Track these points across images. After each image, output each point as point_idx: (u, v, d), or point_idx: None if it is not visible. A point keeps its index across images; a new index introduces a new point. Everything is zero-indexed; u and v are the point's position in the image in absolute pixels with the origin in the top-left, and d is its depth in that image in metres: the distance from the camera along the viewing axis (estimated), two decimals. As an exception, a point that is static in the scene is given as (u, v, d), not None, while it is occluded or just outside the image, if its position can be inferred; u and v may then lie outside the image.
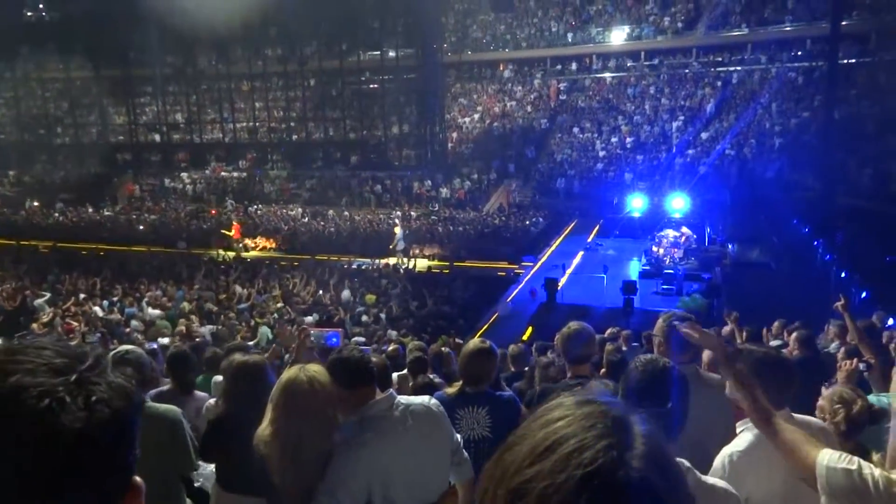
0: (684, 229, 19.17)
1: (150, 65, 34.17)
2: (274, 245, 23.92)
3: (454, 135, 34.72)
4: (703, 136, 29.73)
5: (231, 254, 22.48)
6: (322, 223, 26.09)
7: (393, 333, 12.16)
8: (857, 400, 2.88)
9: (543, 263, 20.55)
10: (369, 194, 30.96)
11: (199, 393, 4.61)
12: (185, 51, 33.04)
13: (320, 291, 16.27)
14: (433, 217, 26.40)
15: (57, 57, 34.92)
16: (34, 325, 13.09)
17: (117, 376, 0.87)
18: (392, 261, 20.61)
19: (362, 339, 11.12)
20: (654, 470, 0.72)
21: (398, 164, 31.60)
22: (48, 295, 15.50)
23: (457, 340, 9.29)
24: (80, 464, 0.78)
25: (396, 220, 24.90)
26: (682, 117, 31.23)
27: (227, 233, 24.08)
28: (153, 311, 14.18)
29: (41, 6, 34.57)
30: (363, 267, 19.95)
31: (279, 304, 14.99)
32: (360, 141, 32.19)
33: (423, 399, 2.59)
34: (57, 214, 30.03)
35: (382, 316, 14.38)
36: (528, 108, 35.45)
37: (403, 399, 2.54)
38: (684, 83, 33.04)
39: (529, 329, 14.24)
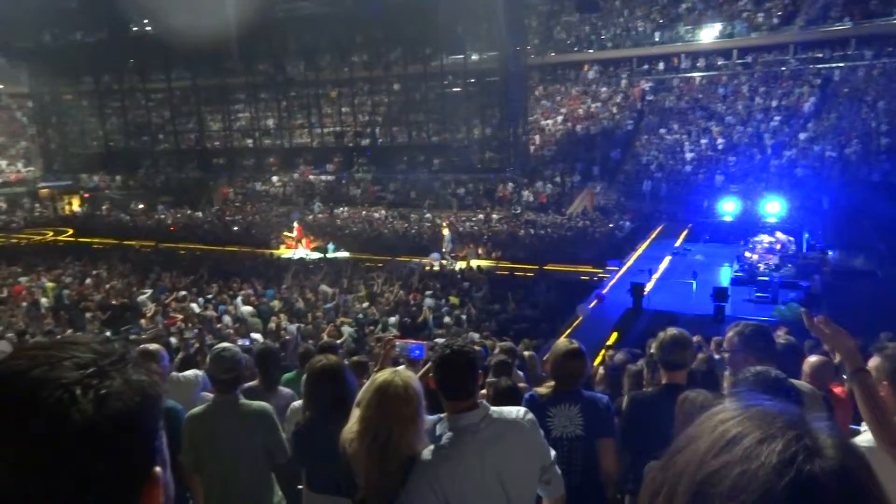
0: (780, 234, 18.31)
1: (243, 74, 35.72)
2: (319, 244, 24.53)
3: (537, 137, 34.43)
4: (801, 136, 28.20)
5: (317, 254, 23.15)
6: (405, 224, 26.56)
7: (475, 336, 12.12)
8: None
9: (629, 268, 20.08)
10: (452, 197, 31.19)
11: (283, 389, 4.73)
12: (275, 60, 34.30)
13: (401, 292, 16.48)
14: (514, 220, 26.31)
15: (159, 69, 37.09)
16: (143, 320, 13.92)
17: (138, 371, 0.87)
18: (442, 263, 20.98)
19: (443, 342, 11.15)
20: (850, 458, 0.70)
21: (481, 167, 31.61)
22: (150, 291, 16.44)
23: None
24: (88, 457, 0.79)
25: (444, 222, 25.18)
26: (777, 117, 29.75)
27: (289, 234, 24.89)
28: (245, 308, 14.72)
29: (146, 21, 36.70)
30: (439, 263, 20.22)
31: (364, 305, 15.25)
32: (443, 144, 32.40)
33: (516, 412, 2.52)
34: (160, 216, 31.83)
35: (464, 318, 14.38)
36: (613, 110, 34.70)
37: (495, 412, 2.47)
38: (780, 81, 31.47)
39: (614, 335, 13.92)
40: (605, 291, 17.78)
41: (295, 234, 24.91)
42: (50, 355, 0.84)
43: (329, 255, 23.33)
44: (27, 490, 0.77)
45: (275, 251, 23.97)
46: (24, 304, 15.89)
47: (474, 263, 20.59)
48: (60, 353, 0.84)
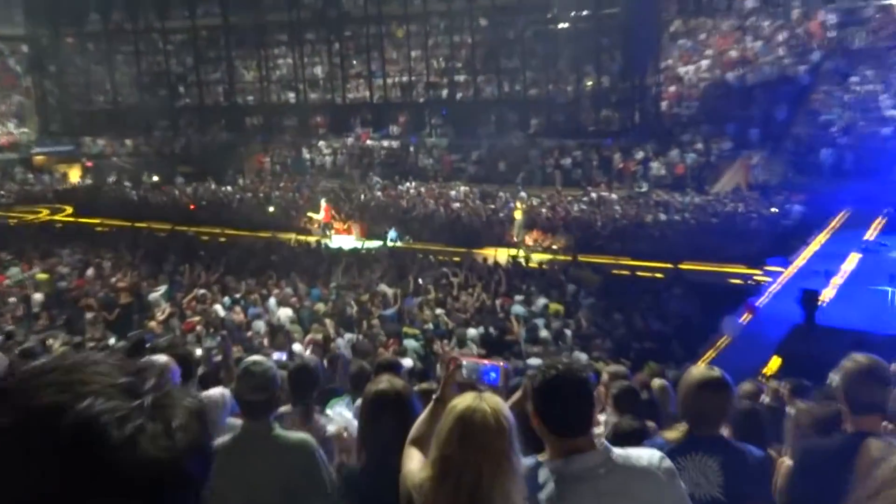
0: None
1: (284, 9, 36.57)
2: (361, 232, 25.27)
3: (672, 89, 33.72)
4: None
5: (369, 243, 23.72)
6: (492, 206, 26.77)
7: (583, 357, 11.99)
8: None
9: (798, 269, 19.54)
10: (554, 169, 31.07)
11: (321, 418, 4.89)
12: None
13: (483, 295, 16.50)
14: (640, 201, 25.97)
15: (181, 4, 38.49)
16: (152, 324, 14.44)
17: (185, 396, 0.95)
18: (510, 253, 21.54)
19: (539, 362, 11.07)
20: None
21: (594, 130, 31.30)
22: (164, 287, 17.03)
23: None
24: (164, 499, 0.86)
25: (516, 203, 25.27)
26: None
27: (314, 216, 25.53)
28: (283, 312, 15.04)
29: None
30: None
31: (435, 312, 15.38)
32: (543, 99, 32.29)
33: (648, 457, 2.50)
34: (178, 191, 33.21)
35: (568, 333, 14.30)
36: (780, 52, 33.58)
37: (619, 455, 2.45)
38: None
39: (776, 360, 13.49)
40: (762, 301, 17.37)
41: (322, 215, 25.55)
42: (81, 380, 0.89)
43: (390, 245, 23.67)
44: None
45: (315, 238, 24.71)
46: (12, 299, 16.57)
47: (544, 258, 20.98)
48: (93, 375, 0.90)
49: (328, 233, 25.27)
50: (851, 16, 33.49)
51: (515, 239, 23.17)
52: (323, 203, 26.25)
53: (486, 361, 3.16)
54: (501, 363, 3.19)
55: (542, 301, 16.05)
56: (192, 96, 41.35)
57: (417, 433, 2.84)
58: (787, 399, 6.68)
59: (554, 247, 23.04)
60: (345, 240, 24.74)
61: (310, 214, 26.31)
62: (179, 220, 28.27)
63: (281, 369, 4.75)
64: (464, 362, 3.07)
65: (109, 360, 0.94)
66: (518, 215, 23.60)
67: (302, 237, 24.95)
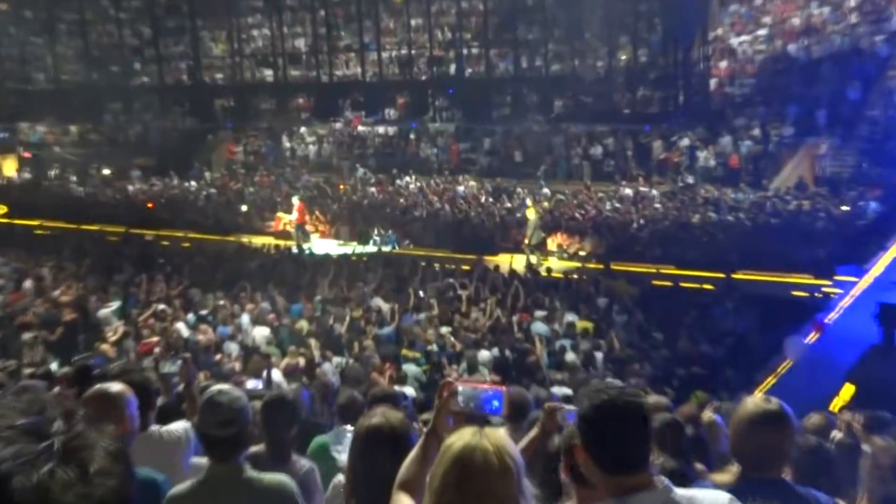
0: None
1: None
2: (351, 236, 25.29)
3: (723, 64, 33.65)
4: None
5: (361, 248, 23.79)
6: (507, 205, 26.75)
7: (617, 384, 11.92)
8: None
9: (875, 279, 19.50)
10: (582, 161, 31.02)
11: (301, 460, 4.83)
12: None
13: (497, 311, 16.37)
14: (685, 198, 25.90)
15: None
16: (103, 346, 14.35)
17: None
18: (521, 260, 21.52)
19: (566, 392, 11.06)
20: None
21: (629, 113, 31.19)
22: (116, 303, 17.01)
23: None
24: None
25: (528, 201, 25.25)
26: None
27: (285, 216, 25.63)
28: (257, 332, 15.03)
29: None
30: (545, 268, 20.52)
31: (440, 330, 15.28)
32: (569, 76, 32.17)
33: (713, 499, 2.57)
34: (134, 188, 33.23)
35: (599, 355, 14.24)
36: (853, 19, 33.47)
37: (682, 495, 2.49)
38: None
39: (848, 388, 13.39)
40: (831, 317, 17.31)
41: (294, 216, 25.51)
42: None
43: (385, 251, 23.61)
44: None
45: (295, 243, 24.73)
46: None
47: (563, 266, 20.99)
48: None
49: (304, 236, 25.26)
50: (938, -24, 33.45)
51: (527, 243, 23.08)
52: (295, 201, 26.17)
53: (486, 386, 3.13)
54: (504, 388, 3.16)
55: (568, 318, 15.99)
56: (150, 74, 41.24)
57: (407, 475, 2.84)
58: (862, 435, 6.63)
59: (581, 253, 23.06)
60: (332, 245, 24.77)
61: (279, 215, 26.40)
62: (135, 222, 28.23)
63: (254, 400, 4.76)
64: (460, 388, 3.04)
65: (6, 397, 0.93)
66: (531, 215, 23.43)
67: (281, 242, 24.95)
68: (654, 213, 24.91)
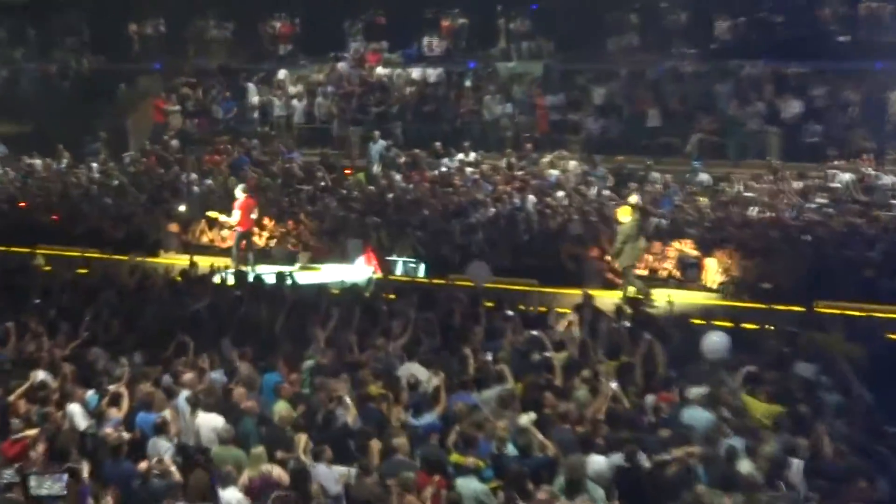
0: None
1: None
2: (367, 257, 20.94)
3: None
4: None
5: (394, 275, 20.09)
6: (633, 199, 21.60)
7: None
8: None
9: None
10: (765, 124, 24.35)
11: None
12: None
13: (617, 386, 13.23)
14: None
15: None
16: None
17: None
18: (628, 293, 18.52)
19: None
20: None
21: (849, 43, 24.88)
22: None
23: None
24: None
25: (633, 196, 20.47)
26: None
27: (223, 218, 21.46)
28: (205, 422, 12.05)
29: None
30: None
31: (521, 419, 11.93)
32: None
33: None
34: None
35: (795, 464, 11.36)
36: None
37: None
38: None
39: None
40: None
41: (236, 216, 20.82)
42: None
43: (419, 278, 20.04)
44: None
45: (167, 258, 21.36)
46: None
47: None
48: None
49: (247, 253, 21.01)
50: None
51: (618, 265, 18.98)
52: (239, 194, 21.06)
53: None
54: None
55: (740, 397, 13.13)
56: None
57: None
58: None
59: (720, 277, 19.15)
60: (331, 271, 19.98)
61: (211, 215, 21.89)
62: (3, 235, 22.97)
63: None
64: None
65: None
66: (624, 216, 18.71)
67: (244, 266, 20.36)
68: (885, 217, 19.62)
